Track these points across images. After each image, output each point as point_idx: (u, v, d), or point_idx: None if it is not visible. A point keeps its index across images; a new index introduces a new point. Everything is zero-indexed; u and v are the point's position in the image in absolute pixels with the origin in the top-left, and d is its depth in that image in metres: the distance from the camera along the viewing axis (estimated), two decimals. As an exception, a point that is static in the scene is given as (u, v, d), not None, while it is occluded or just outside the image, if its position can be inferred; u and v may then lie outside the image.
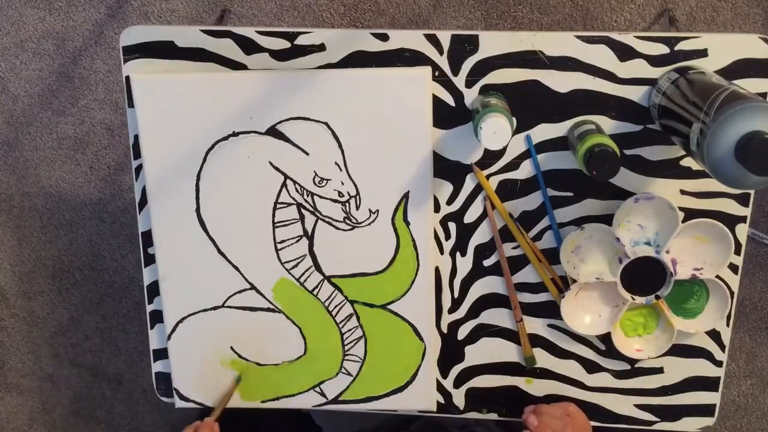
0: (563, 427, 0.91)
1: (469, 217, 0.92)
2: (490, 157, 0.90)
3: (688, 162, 0.88)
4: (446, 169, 0.90)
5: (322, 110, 0.88)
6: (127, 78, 0.89)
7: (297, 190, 0.91)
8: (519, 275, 0.94)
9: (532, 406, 0.97)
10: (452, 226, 0.93)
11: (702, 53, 0.84)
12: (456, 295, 0.96)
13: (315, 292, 0.96)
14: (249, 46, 0.88)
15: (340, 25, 1.47)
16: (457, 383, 1.00)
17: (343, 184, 0.90)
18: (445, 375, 1.00)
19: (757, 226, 1.54)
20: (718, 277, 0.91)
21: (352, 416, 1.15)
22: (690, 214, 0.90)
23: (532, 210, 0.92)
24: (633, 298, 0.91)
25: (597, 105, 0.87)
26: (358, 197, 0.91)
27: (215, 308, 0.97)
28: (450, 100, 0.88)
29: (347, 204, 0.91)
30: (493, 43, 0.85)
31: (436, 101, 0.88)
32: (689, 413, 0.99)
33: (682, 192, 0.90)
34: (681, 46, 0.84)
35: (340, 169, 0.90)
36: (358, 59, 0.87)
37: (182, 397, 1.03)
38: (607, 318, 0.94)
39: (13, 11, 1.50)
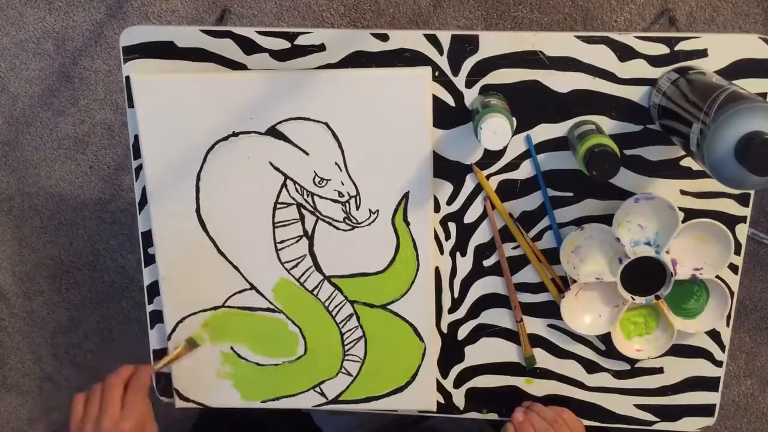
0: (546, 430, 0.91)
1: (469, 217, 0.92)
2: (490, 157, 0.90)
3: (688, 162, 0.88)
4: (446, 169, 0.90)
5: (322, 110, 0.88)
6: (127, 78, 0.89)
7: (297, 190, 0.91)
8: (519, 275, 0.94)
9: (527, 402, 0.97)
10: (452, 226, 0.93)
11: (702, 53, 0.84)
12: (456, 295, 0.96)
13: (315, 292, 0.96)
14: (249, 46, 0.88)
15: (340, 25, 1.47)
16: (457, 383, 1.00)
17: (343, 184, 0.90)
18: (445, 375, 1.00)
19: (757, 226, 1.54)
20: (718, 277, 0.91)
21: (352, 417, 1.15)
22: (690, 214, 0.90)
23: (532, 210, 0.92)
24: (633, 298, 0.91)
25: (597, 105, 0.87)
26: (358, 197, 0.91)
27: (215, 308, 0.97)
28: (450, 100, 0.88)
29: (347, 204, 0.91)
30: (493, 43, 0.85)
31: (436, 101, 0.88)
32: (689, 413, 0.99)
33: (682, 192, 0.90)
34: (681, 46, 0.84)
35: (340, 169, 0.90)
36: (358, 59, 0.87)
37: (182, 397, 1.03)
38: (607, 318, 0.94)
39: (13, 11, 1.50)
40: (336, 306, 0.96)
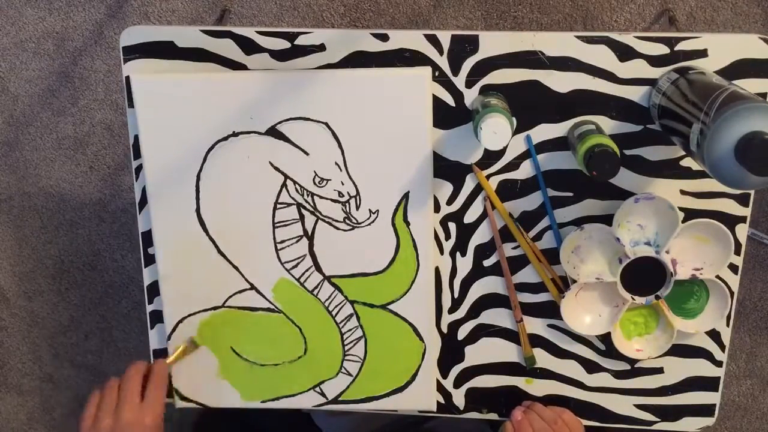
0: (545, 430, 0.91)
1: (469, 217, 0.92)
2: (490, 157, 0.90)
3: (688, 162, 0.88)
4: (446, 169, 0.90)
5: (322, 110, 0.88)
6: (127, 78, 0.89)
7: (297, 191, 0.91)
8: (519, 275, 0.94)
9: (527, 402, 0.97)
10: (452, 226, 0.93)
11: (702, 53, 0.84)
12: (456, 295, 0.96)
13: (315, 292, 0.96)
14: (249, 46, 0.88)
15: (340, 25, 1.47)
16: (457, 383, 1.00)
17: (343, 184, 0.90)
18: (445, 375, 1.00)
19: (757, 226, 1.54)
20: (718, 277, 0.91)
21: (353, 418, 1.15)
22: (690, 214, 0.90)
23: (532, 210, 0.92)
24: (633, 298, 0.91)
25: (597, 105, 0.87)
26: (358, 197, 0.91)
27: (215, 308, 0.97)
28: (450, 101, 0.88)
29: (347, 204, 0.91)
30: (493, 43, 0.85)
31: (436, 101, 0.88)
32: (689, 413, 0.99)
33: (682, 192, 0.90)
34: (681, 46, 0.84)
35: (340, 169, 0.90)
36: (358, 59, 0.87)
37: (182, 397, 1.03)
38: (607, 318, 0.94)
39: (13, 11, 1.50)
40: (336, 306, 0.96)
